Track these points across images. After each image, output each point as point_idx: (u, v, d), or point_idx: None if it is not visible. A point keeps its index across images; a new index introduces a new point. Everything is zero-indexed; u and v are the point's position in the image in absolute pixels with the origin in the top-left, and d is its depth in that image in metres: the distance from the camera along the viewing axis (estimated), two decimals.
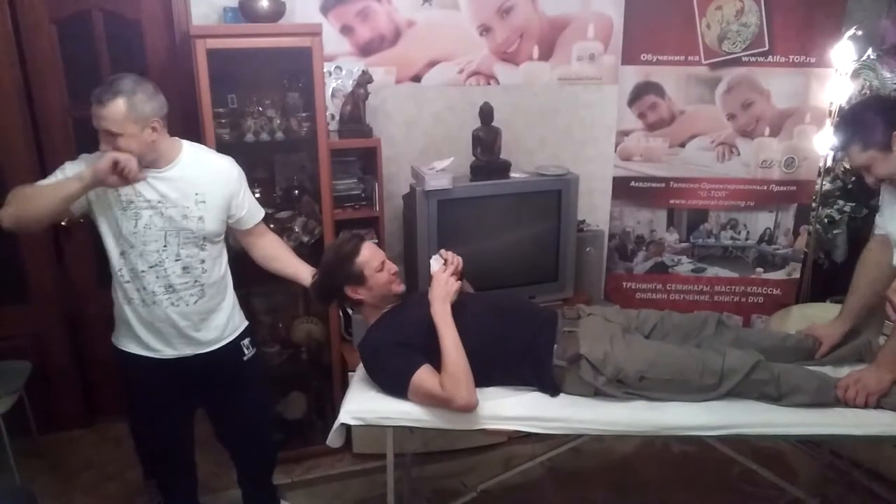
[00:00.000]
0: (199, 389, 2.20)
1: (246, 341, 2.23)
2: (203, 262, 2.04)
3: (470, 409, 1.84)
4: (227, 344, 2.16)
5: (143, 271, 1.97)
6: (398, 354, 1.93)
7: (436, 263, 2.07)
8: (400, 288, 2.10)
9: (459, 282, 2.03)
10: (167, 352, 2.07)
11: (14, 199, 1.84)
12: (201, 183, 2.00)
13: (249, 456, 2.41)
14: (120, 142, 1.83)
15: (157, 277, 1.98)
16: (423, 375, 1.87)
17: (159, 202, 1.94)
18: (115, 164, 1.78)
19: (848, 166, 3.23)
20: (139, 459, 2.50)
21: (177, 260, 1.99)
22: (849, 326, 2.14)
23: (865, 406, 1.89)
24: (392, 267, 2.07)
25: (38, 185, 1.88)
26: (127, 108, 1.82)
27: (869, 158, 1.86)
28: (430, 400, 1.87)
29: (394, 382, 1.93)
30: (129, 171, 1.80)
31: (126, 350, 2.07)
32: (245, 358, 2.23)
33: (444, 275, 2.00)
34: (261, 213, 2.22)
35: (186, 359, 2.09)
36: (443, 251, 2.10)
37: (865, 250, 2.14)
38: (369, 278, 2.02)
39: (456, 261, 2.07)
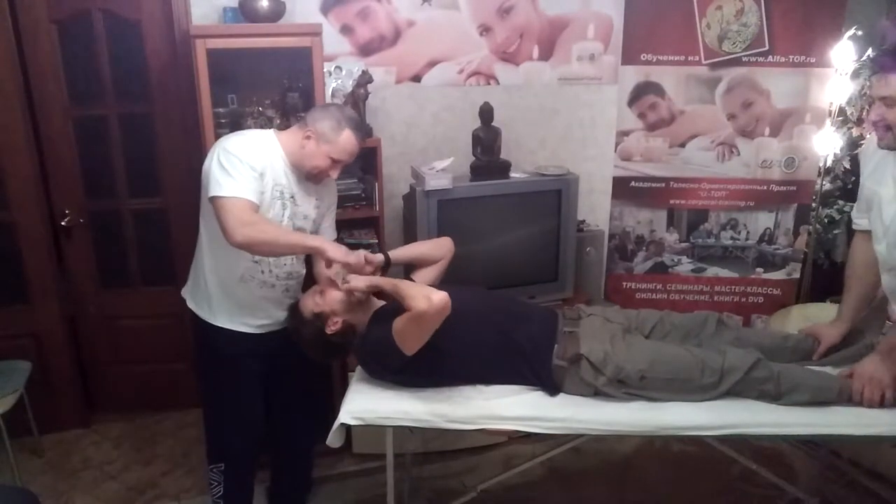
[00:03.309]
0: (276, 363, 2.29)
1: None
2: (305, 257, 2.25)
3: (444, 304, 1.81)
4: None
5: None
6: (377, 332, 1.99)
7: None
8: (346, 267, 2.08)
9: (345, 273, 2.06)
10: (265, 323, 2.21)
11: (253, 227, 1.91)
12: (321, 191, 2.21)
13: (302, 425, 2.47)
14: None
15: (285, 264, 2.17)
16: (397, 320, 1.88)
17: (291, 197, 2.11)
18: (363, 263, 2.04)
19: (848, 166, 3.23)
20: (206, 442, 2.44)
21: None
22: (848, 327, 2.14)
23: (882, 404, 1.87)
24: (328, 280, 2.07)
25: (273, 223, 2.03)
26: None
27: None
28: (415, 326, 1.85)
29: (383, 351, 1.93)
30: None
31: (222, 326, 2.18)
32: None
33: (351, 282, 2.02)
34: (334, 235, 2.36)
35: (278, 332, 2.21)
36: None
37: (851, 249, 2.15)
38: (325, 308, 2.04)
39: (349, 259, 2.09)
